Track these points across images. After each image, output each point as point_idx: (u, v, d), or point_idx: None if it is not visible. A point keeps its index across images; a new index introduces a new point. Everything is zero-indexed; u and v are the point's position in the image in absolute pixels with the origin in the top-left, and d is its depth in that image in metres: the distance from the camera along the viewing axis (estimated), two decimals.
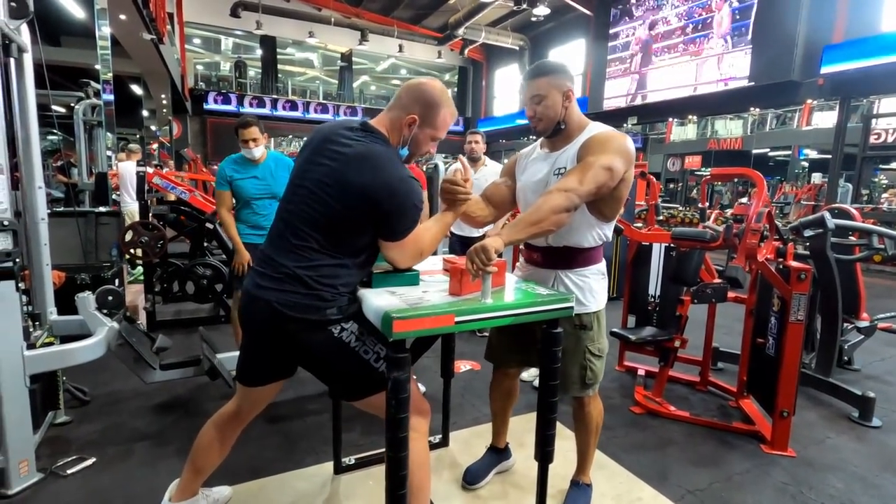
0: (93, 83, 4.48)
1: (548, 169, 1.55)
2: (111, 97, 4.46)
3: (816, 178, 13.87)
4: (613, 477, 2.02)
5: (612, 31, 13.69)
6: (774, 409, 2.29)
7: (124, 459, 2.05)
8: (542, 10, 13.38)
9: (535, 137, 1.69)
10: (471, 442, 2.24)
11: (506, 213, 1.73)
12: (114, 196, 4.53)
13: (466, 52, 18.30)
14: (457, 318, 1.17)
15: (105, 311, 2.09)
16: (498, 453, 2.01)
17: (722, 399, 2.87)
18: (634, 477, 2.02)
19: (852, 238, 3.34)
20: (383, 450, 2.00)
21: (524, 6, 13.33)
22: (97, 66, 4.37)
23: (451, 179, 1.43)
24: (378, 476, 1.94)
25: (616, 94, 13.79)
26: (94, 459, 2.02)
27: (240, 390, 1.49)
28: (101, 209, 3.73)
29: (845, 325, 3.22)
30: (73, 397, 2.50)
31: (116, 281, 3.46)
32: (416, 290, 1.34)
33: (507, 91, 19.32)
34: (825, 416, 2.67)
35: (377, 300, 1.22)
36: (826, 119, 13.45)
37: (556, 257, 1.55)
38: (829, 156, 9.97)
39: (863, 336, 3.34)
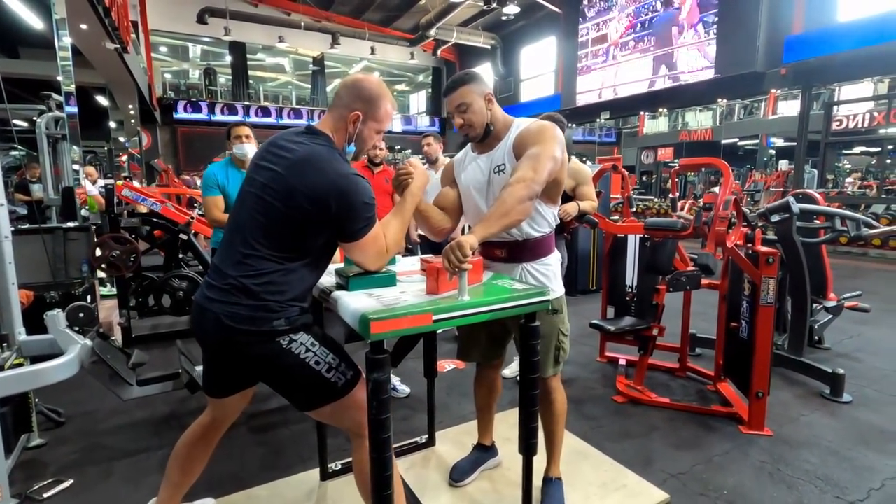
0: (55, 95, 4.35)
1: (487, 168, 1.61)
2: (75, 109, 4.34)
3: (784, 165, 14.31)
4: (599, 465, 2.06)
5: (581, 26, 13.88)
6: (750, 390, 2.36)
7: (104, 479, 2.01)
8: (511, 9, 13.49)
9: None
10: (457, 440, 2.25)
11: (461, 216, 1.76)
12: (83, 211, 4.41)
13: (439, 52, 18.33)
14: (434, 317, 1.18)
15: (77, 328, 2.04)
16: (484, 451, 2.03)
17: (700, 383, 2.94)
18: (619, 464, 2.05)
19: (817, 221, 3.45)
20: None
21: (494, 5, 13.41)
22: (59, 78, 4.24)
23: (398, 170, 1.51)
24: None
25: (588, 90, 13.97)
26: (71, 481, 1.97)
27: (210, 402, 1.47)
28: (70, 224, 3.62)
29: (814, 305, 3.33)
30: (47, 419, 2.42)
31: (88, 297, 3.37)
32: (393, 291, 1.34)
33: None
34: (799, 395, 2.76)
35: (354, 303, 1.21)
36: (791, 108, 13.89)
37: (520, 250, 1.61)
38: (795, 143, 10.29)
39: (831, 315, 3.46)
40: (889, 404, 2.64)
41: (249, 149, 2.67)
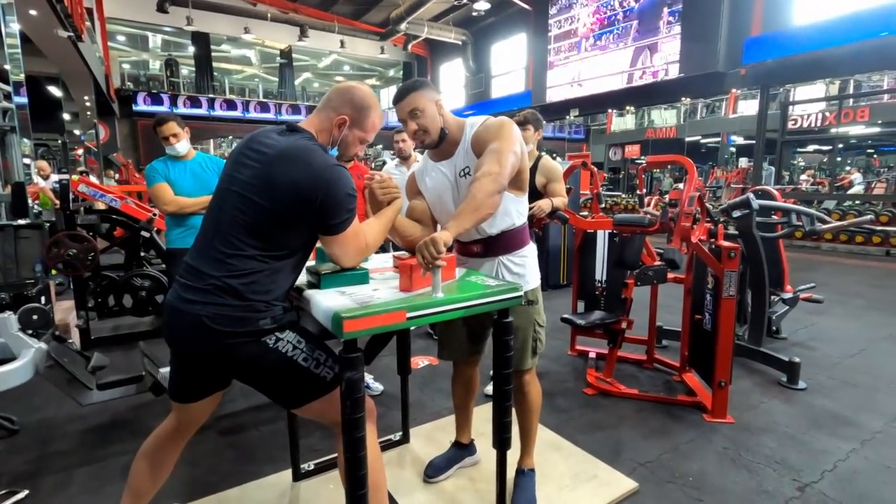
0: (2, 85, 4.11)
1: (451, 173, 1.61)
2: (25, 100, 4.12)
3: (743, 162, 14.89)
4: (570, 457, 2.10)
5: (550, 22, 14.03)
6: (713, 380, 2.45)
7: (63, 489, 1.92)
8: (482, 5, 13.55)
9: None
10: (432, 436, 2.26)
11: (434, 225, 1.75)
12: (35, 208, 4.19)
13: (410, 47, 18.24)
14: (408, 314, 1.17)
15: (30, 331, 1.94)
16: (462, 448, 2.03)
17: (667, 374, 3.03)
18: (590, 455, 2.10)
19: (774, 217, 3.61)
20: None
21: (465, 1, 13.42)
22: (6, 67, 4.01)
23: (377, 181, 1.47)
24: (338, 479, 1.92)
25: (558, 87, 14.15)
26: (27, 492, 1.87)
27: (175, 407, 1.41)
28: (21, 222, 3.43)
29: (772, 297, 3.48)
30: (0, 427, 2.30)
31: (43, 299, 3.21)
32: (366, 289, 1.32)
33: (452, 86, 19.40)
34: (758, 383, 2.89)
35: (326, 301, 1.20)
36: (750, 107, 14.43)
37: (495, 245, 1.62)
38: (754, 141, 10.71)
39: (788, 307, 3.63)
40: (840, 390, 2.79)
41: (181, 147, 2.56)
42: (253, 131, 1.35)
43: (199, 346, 1.22)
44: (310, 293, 1.31)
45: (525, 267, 1.65)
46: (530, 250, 1.69)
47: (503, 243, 1.62)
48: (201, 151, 2.76)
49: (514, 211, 1.62)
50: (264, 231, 1.21)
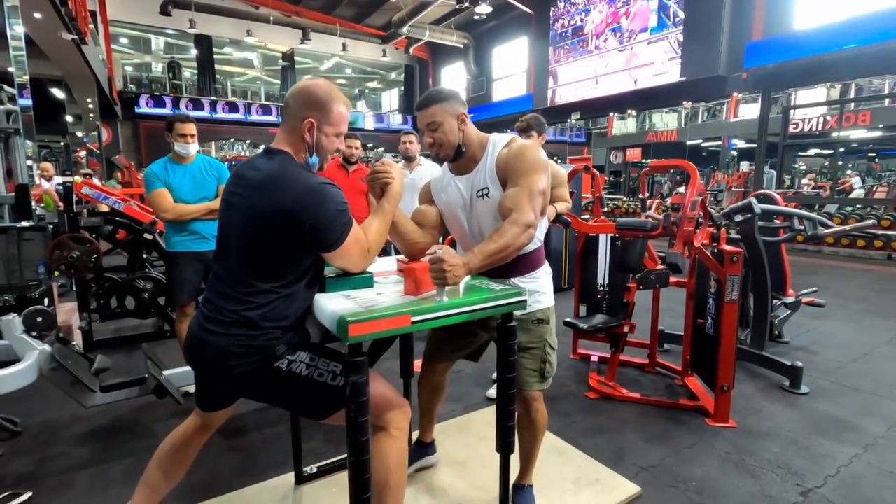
0: (7, 87, 4.12)
1: (468, 191, 1.57)
2: (29, 102, 4.13)
3: (745, 166, 14.88)
4: (572, 461, 2.10)
5: (552, 25, 14.07)
6: (716, 384, 2.44)
7: (65, 491, 1.92)
8: (484, 9, 13.56)
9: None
10: (435, 440, 2.25)
11: (440, 233, 1.73)
12: (38, 210, 4.20)
13: (412, 50, 18.26)
14: (413, 318, 1.17)
15: (35, 333, 1.94)
16: (423, 447, 2.03)
17: (669, 378, 3.03)
18: (592, 459, 2.10)
19: (777, 221, 3.60)
20: (346, 456, 1.98)
21: (466, 4, 13.46)
22: (11, 69, 4.03)
23: (373, 168, 1.46)
24: (341, 483, 1.92)
25: (561, 91, 14.18)
26: (30, 494, 1.87)
27: (198, 412, 1.46)
28: (24, 224, 3.44)
29: (774, 301, 3.48)
30: (2, 429, 2.30)
31: (46, 300, 3.22)
32: (371, 293, 1.33)
33: (453, 88, 19.41)
34: (760, 388, 2.88)
35: (332, 305, 1.20)
36: (751, 111, 14.44)
37: (510, 266, 1.56)
38: (755, 145, 10.71)
39: (790, 311, 3.62)
40: (843, 394, 2.78)
41: (193, 149, 2.59)
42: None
43: (220, 373, 1.26)
44: (315, 297, 1.31)
45: (538, 288, 1.60)
46: (544, 271, 1.65)
47: (517, 266, 1.58)
48: (201, 153, 2.77)
49: (534, 237, 1.58)
50: (270, 262, 1.23)
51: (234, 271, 1.26)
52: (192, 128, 2.58)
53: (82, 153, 14.27)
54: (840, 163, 15.03)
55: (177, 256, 2.61)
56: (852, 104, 12.04)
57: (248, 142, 17.66)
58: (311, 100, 1.30)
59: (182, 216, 2.53)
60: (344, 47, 17.10)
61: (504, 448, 1.48)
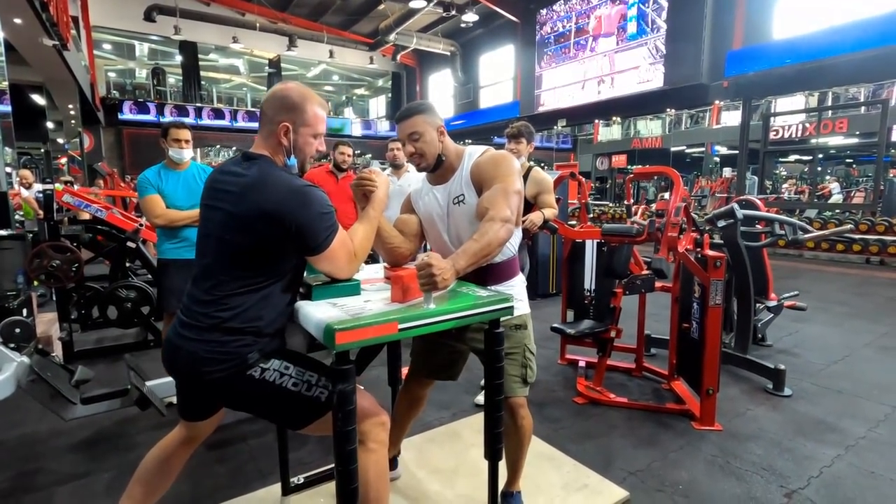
0: None
1: (445, 199, 1.62)
2: (8, 108, 4.06)
3: (727, 172, 15.16)
4: (561, 466, 2.10)
5: (538, 33, 14.24)
6: (701, 387, 2.47)
7: None
8: (470, 17, 13.71)
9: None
10: (423, 448, 2.24)
11: (421, 241, 1.77)
12: (17, 218, 4.12)
13: (399, 57, 18.35)
14: (400, 326, 1.17)
15: (12, 345, 1.90)
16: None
17: (655, 382, 3.06)
18: (580, 465, 2.10)
19: (758, 226, 3.67)
20: (333, 466, 1.96)
21: (453, 13, 13.57)
22: None
23: (358, 176, 1.48)
24: (329, 493, 1.90)
25: (545, 98, 14.34)
26: None
27: (183, 423, 1.44)
28: (2, 233, 3.37)
29: (757, 305, 3.54)
30: None
31: (24, 311, 3.14)
32: (358, 300, 1.32)
33: (440, 96, 19.54)
34: (745, 390, 2.92)
35: (318, 313, 1.19)
36: (733, 118, 14.73)
37: (486, 274, 1.60)
38: (737, 151, 10.92)
39: (772, 314, 3.69)
40: (824, 396, 2.84)
41: (187, 154, 2.58)
42: (211, 172, 1.36)
43: (195, 379, 1.26)
44: (300, 304, 1.30)
45: (514, 292, 1.63)
46: (519, 280, 1.70)
47: (493, 274, 1.61)
48: (194, 161, 2.74)
49: (508, 244, 1.62)
50: (249, 264, 1.23)
51: (211, 273, 1.25)
52: (186, 133, 2.58)
53: (63, 160, 14.03)
54: (819, 169, 15.38)
55: (168, 264, 2.58)
56: (830, 112, 12.36)
57: (233, 148, 17.51)
58: (286, 103, 1.30)
59: (173, 222, 2.51)
60: (331, 54, 17.12)
61: (493, 455, 1.48)
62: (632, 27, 11.77)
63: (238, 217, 1.21)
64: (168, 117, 15.91)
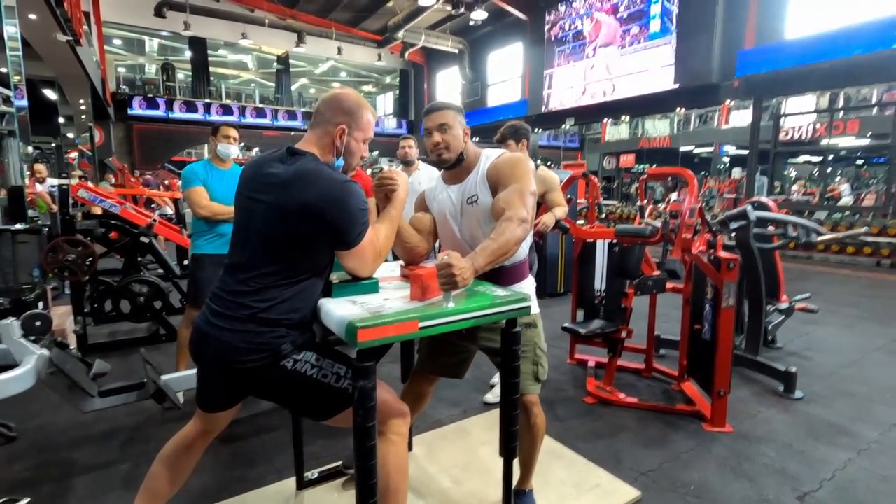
0: (2, 89, 4.10)
1: (459, 198, 1.64)
2: (24, 103, 4.10)
3: (737, 172, 15.03)
4: (572, 465, 2.11)
5: (547, 31, 14.18)
6: (712, 389, 2.47)
7: (63, 497, 1.90)
8: (479, 15, 13.65)
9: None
10: (434, 445, 2.26)
11: (436, 239, 1.79)
12: (30, 212, 4.17)
13: (407, 55, 18.31)
14: (421, 324, 1.18)
15: (32, 337, 1.93)
16: None
17: (665, 383, 3.05)
18: (591, 464, 2.11)
19: (771, 228, 3.65)
20: (341, 462, 1.98)
21: (462, 10, 13.53)
22: (4, 70, 4.00)
23: (379, 175, 1.50)
24: (343, 488, 1.92)
25: (555, 96, 14.28)
26: (27, 500, 1.85)
27: (199, 414, 1.45)
28: (18, 226, 3.41)
29: (768, 307, 3.52)
30: None
31: (41, 304, 3.19)
32: (377, 298, 1.33)
33: (448, 93, 19.50)
34: (756, 392, 2.91)
35: (339, 310, 1.20)
36: (743, 118, 14.61)
37: (496, 276, 1.60)
38: (747, 151, 10.84)
39: (783, 317, 3.67)
40: (836, 399, 2.82)
41: (234, 150, 2.67)
42: (247, 166, 1.38)
43: (224, 369, 1.28)
44: (322, 302, 1.32)
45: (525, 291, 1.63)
46: (528, 283, 1.72)
47: (503, 276, 1.62)
48: (235, 162, 2.80)
49: (520, 248, 1.62)
50: (286, 257, 1.26)
51: (250, 265, 1.27)
52: (235, 132, 2.73)
53: (73, 154, 14.15)
54: (829, 170, 15.23)
55: (202, 258, 2.63)
56: (841, 113, 12.23)
57: (241, 144, 17.62)
58: (344, 107, 1.36)
59: (216, 215, 2.57)
60: (339, 51, 17.13)
61: (508, 452, 1.49)
62: (655, 25, 11.61)
63: (280, 208, 1.24)
64: (177, 113, 16.01)
